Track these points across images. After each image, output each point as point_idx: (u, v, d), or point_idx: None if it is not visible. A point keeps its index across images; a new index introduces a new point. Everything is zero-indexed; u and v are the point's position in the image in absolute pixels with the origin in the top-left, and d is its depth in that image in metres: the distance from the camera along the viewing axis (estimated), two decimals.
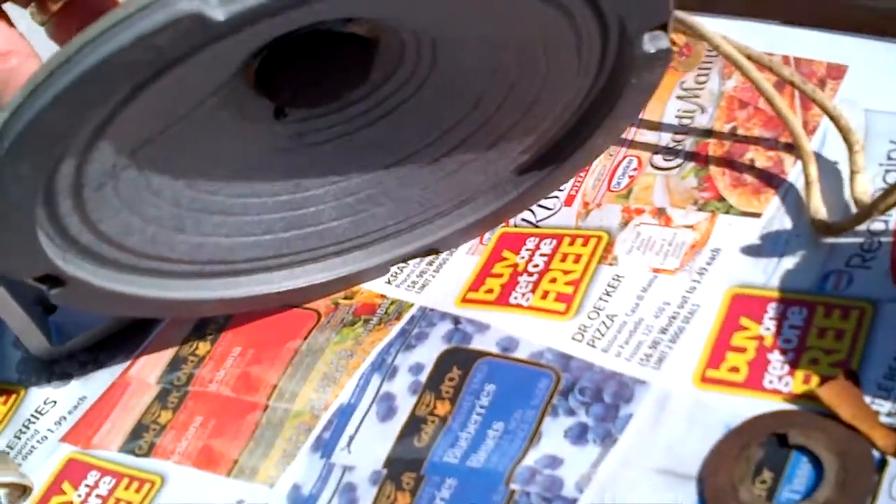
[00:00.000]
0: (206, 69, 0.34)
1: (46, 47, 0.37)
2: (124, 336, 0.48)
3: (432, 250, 0.46)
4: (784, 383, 0.37)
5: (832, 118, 0.42)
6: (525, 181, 0.44)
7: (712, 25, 0.48)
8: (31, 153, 0.32)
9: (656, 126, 0.47)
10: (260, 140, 0.41)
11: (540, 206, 0.46)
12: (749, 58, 0.43)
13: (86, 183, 0.36)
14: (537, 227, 0.45)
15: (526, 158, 0.44)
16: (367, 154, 0.43)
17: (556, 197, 0.46)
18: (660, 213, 0.44)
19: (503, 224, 0.46)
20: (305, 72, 0.38)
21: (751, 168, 0.44)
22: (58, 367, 0.47)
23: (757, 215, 0.42)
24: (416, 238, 0.45)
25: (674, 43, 0.46)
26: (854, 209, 0.40)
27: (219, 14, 0.29)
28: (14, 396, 0.47)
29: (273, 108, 0.40)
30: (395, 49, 0.40)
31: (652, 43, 0.38)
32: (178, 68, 0.32)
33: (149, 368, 0.46)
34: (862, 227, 0.39)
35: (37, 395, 0.47)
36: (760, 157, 0.44)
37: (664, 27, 0.38)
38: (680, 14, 0.44)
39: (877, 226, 0.40)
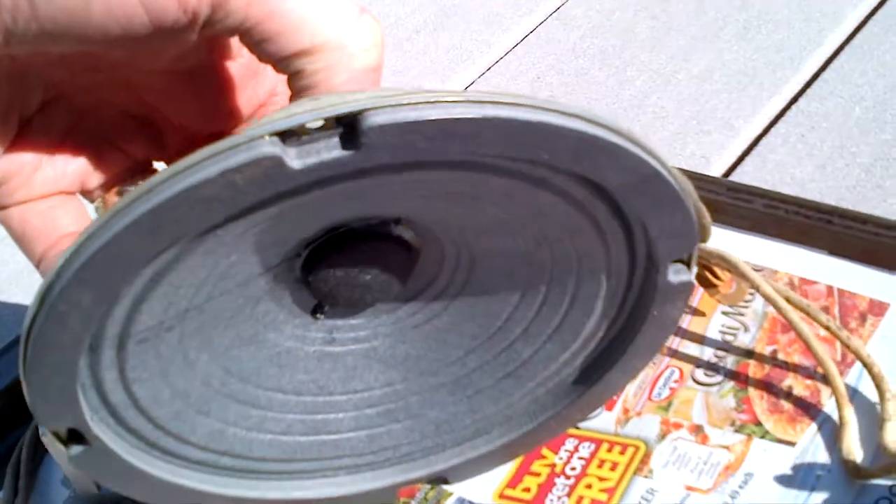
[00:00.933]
0: (267, 234, 0.36)
1: None
2: None
3: (442, 479, 0.46)
4: None
5: (865, 365, 0.43)
6: (540, 414, 0.44)
7: (761, 248, 0.51)
8: (98, 281, 0.32)
9: (700, 339, 0.49)
10: (294, 336, 0.42)
11: None
12: (788, 300, 0.45)
13: (132, 334, 0.36)
14: (577, 428, 0.47)
15: (541, 392, 0.44)
16: (390, 367, 0.44)
17: None
18: (697, 430, 0.45)
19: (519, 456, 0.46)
20: (349, 268, 0.40)
21: (788, 395, 0.45)
22: None
23: (791, 444, 0.44)
24: (427, 464, 0.45)
25: (719, 278, 0.48)
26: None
27: (295, 163, 0.31)
28: None
29: (312, 305, 0.42)
30: (433, 262, 0.42)
31: (675, 275, 0.39)
32: (242, 221, 0.34)
33: None
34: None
35: None
36: (798, 386, 0.46)
37: (688, 261, 0.40)
38: (723, 252, 0.47)
39: None
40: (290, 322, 0.42)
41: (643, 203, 0.36)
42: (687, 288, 0.40)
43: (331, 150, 0.31)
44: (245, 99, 0.40)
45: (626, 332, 0.42)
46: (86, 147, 0.38)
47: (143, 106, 0.39)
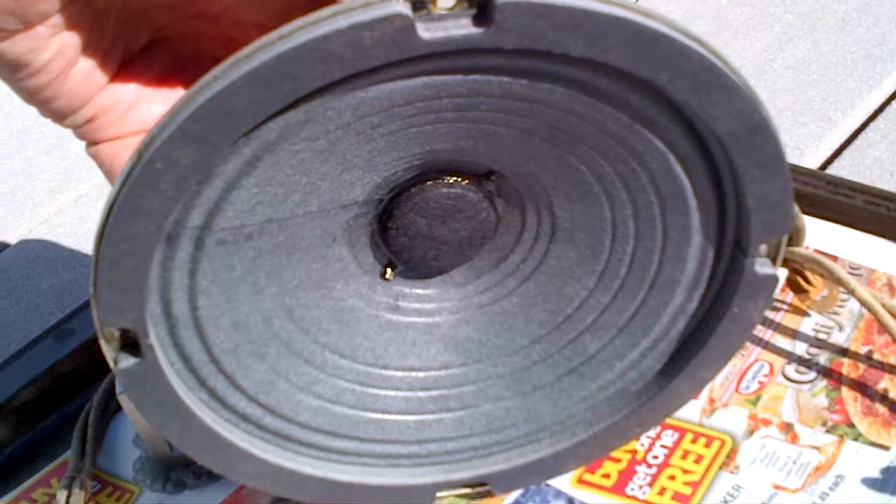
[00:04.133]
0: (365, 144, 0.35)
1: None
2: None
3: (482, 483, 0.43)
4: None
5: None
6: (596, 424, 0.43)
7: (860, 245, 0.49)
8: (203, 137, 0.31)
9: (792, 334, 0.47)
10: (360, 293, 0.41)
11: None
12: (884, 305, 0.44)
13: (214, 230, 0.35)
14: None
15: (600, 398, 0.42)
16: (450, 348, 0.42)
17: None
18: (787, 428, 0.44)
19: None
20: (429, 221, 0.39)
21: (884, 398, 0.44)
22: (174, 474, 0.49)
23: (885, 448, 0.42)
24: (471, 467, 0.43)
25: (811, 283, 0.47)
26: None
27: (425, 34, 0.31)
28: (128, 496, 0.49)
29: (383, 264, 0.41)
30: (512, 234, 0.41)
31: (762, 267, 0.38)
32: (354, 96, 0.33)
33: (260, 492, 0.47)
34: None
35: (150, 498, 0.48)
36: (895, 389, 0.44)
37: (775, 256, 0.38)
38: (816, 256, 0.45)
39: None
40: (359, 277, 0.41)
41: (747, 160, 0.35)
42: (772, 283, 0.39)
43: (461, 27, 0.31)
44: None
45: (701, 333, 0.41)
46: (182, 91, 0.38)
47: None
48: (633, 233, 0.39)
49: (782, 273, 0.47)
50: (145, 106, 0.37)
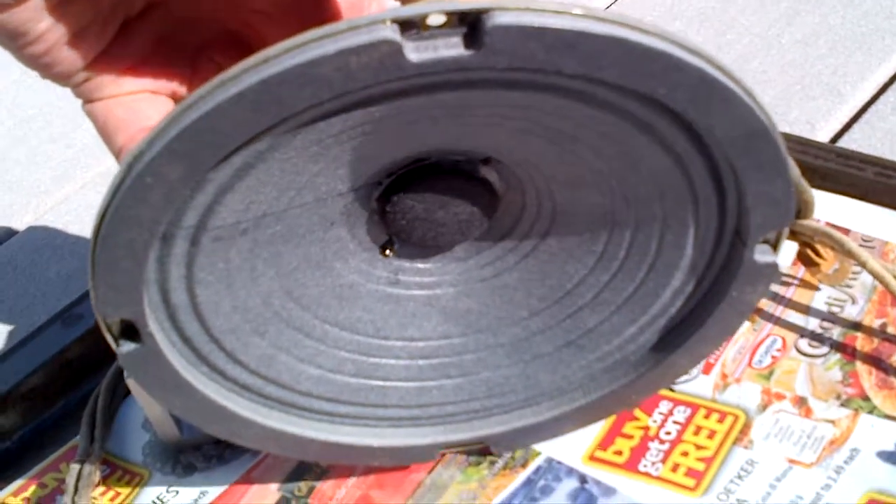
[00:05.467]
0: (358, 147, 0.35)
1: None
2: None
3: (485, 447, 0.44)
4: None
5: None
6: (594, 391, 0.43)
7: (872, 217, 0.49)
8: (191, 155, 0.31)
9: (804, 309, 0.47)
10: (360, 270, 0.41)
11: None
12: None
13: (209, 228, 0.36)
14: (672, 390, 0.45)
15: (598, 367, 0.42)
16: (450, 319, 0.42)
17: None
18: (801, 402, 0.43)
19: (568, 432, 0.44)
20: (428, 204, 0.39)
21: None
22: (183, 458, 0.48)
23: None
24: (472, 428, 0.44)
25: (821, 256, 0.46)
26: None
27: (413, 56, 0.30)
28: (138, 479, 0.48)
29: (383, 241, 0.41)
30: (512, 213, 0.41)
31: (762, 255, 0.38)
32: (343, 116, 0.33)
33: (271, 473, 0.47)
34: None
35: (160, 482, 0.48)
36: None
37: (776, 243, 0.38)
38: (827, 229, 0.45)
39: None
40: (358, 255, 0.41)
41: (746, 163, 0.35)
42: (772, 271, 0.39)
43: (451, 47, 0.30)
44: None
45: (699, 312, 0.41)
46: (180, 55, 0.38)
47: (244, 25, 0.38)
48: (632, 222, 0.39)
49: (787, 254, 0.47)
50: (142, 67, 0.37)
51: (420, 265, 0.42)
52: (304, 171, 0.36)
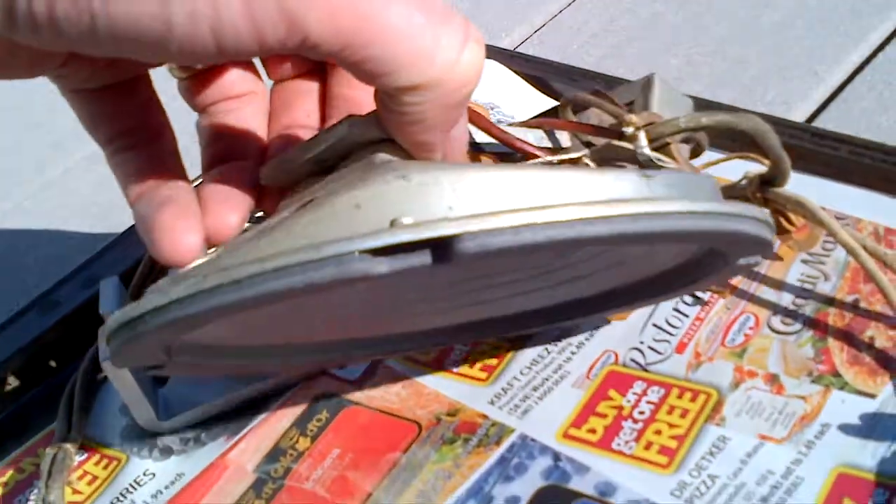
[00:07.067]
0: None
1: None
2: (228, 418, 0.49)
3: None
4: None
5: None
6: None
7: (846, 196, 0.49)
8: (171, 335, 0.35)
9: (778, 285, 0.47)
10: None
11: (651, 349, 0.46)
12: (865, 248, 0.43)
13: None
14: (646, 370, 0.46)
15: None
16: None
17: (668, 342, 0.46)
18: (773, 379, 0.44)
19: (612, 362, 0.46)
20: None
21: (870, 347, 0.44)
22: (160, 441, 0.49)
23: (872, 396, 0.42)
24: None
25: (792, 224, 0.47)
26: None
27: (383, 268, 0.30)
28: (115, 463, 0.49)
29: None
30: None
31: (744, 260, 0.39)
32: None
33: (248, 455, 0.47)
34: None
35: (137, 466, 0.48)
36: (881, 337, 0.44)
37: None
38: (799, 197, 0.45)
39: None
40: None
41: (737, 252, 0.38)
42: (753, 264, 0.40)
43: (421, 258, 0.30)
44: None
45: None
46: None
47: None
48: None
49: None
50: (106, 71, 0.37)
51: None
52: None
